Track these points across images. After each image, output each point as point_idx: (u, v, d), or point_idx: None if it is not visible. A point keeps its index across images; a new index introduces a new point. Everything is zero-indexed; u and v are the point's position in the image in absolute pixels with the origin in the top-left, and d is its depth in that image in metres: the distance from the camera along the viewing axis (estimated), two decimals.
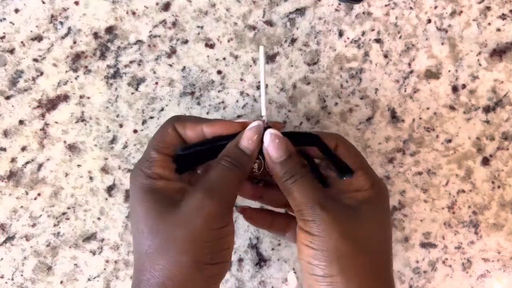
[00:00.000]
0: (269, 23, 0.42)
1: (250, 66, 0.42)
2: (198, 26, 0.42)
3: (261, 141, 0.31)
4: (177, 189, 0.30)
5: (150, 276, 0.28)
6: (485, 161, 0.42)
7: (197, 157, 0.32)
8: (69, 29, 0.41)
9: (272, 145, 0.31)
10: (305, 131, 0.34)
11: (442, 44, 0.42)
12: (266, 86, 0.33)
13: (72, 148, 0.41)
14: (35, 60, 0.41)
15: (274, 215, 0.37)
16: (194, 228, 0.28)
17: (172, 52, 0.42)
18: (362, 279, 0.29)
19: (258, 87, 0.42)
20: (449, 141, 0.42)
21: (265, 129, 0.32)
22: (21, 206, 0.41)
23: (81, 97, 0.41)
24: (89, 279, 0.41)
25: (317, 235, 0.29)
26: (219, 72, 0.42)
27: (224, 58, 0.42)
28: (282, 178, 0.31)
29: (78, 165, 0.41)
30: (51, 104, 0.41)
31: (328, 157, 0.33)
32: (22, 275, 0.41)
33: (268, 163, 0.32)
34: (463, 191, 0.42)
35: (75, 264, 0.41)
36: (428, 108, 0.42)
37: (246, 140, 0.31)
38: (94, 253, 0.41)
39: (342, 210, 0.30)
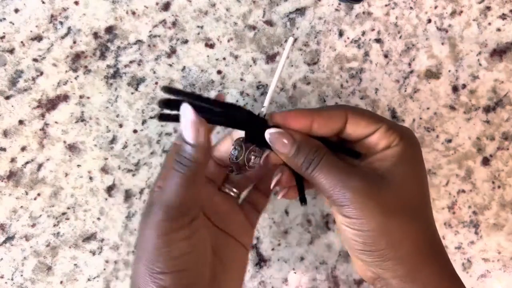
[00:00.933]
0: (269, 23, 0.42)
1: (250, 66, 0.42)
2: (198, 26, 0.42)
3: (206, 129, 0.28)
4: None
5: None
6: (485, 161, 0.42)
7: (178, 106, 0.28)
8: (69, 29, 0.41)
9: (276, 144, 0.29)
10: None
11: (442, 44, 0.42)
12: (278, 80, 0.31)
13: (72, 148, 0.41)
14: (35, 60, 0.41)
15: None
16: (143, 236, 0.28)
17: (172, 52, 0.42)
18: (411, 244, 0.28)
19: (258, 87, 0.42)
20: (449, 141, 0.42)
21: (266, 126, 0.31)
22: (21, 206, 0.41)
23: (81, 97, 0.41)
24: (89, 279, 0.41)
25: (355, 218, 0.28)
26: (219, 72, 0.42)
27: (224, 58, 0.42)
28: (301, 169, 0.29)
29: (78, 165, 0.41)
30: (51, 104, 0.41)
31: (332, 148, 0.31)
32: (22, 275, 0.41)
33: (285, 160, 0.30)
34: (463, 191, 0.42)
35: (75, 264, 0.41)
36: (428, 108, 0.42)
37: (185, 134, 0.28)
38: (94, 253, 0.41)
39: (374, 182, 0.28)
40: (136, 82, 0.41)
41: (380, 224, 0.27)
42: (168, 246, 0.28)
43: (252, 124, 0.30)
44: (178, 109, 0.28)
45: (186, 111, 0.27)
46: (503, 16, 0.42)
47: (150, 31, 0.41)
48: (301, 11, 0.42)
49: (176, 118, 0.29)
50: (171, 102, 0.28)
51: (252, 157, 0.31)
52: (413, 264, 0.28)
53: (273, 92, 0.30)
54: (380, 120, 0.30)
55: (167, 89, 0.28)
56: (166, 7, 0.42)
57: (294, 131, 0.30)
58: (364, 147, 0.31)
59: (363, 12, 0.42)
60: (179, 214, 0.28)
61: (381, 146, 0.30)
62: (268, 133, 0.30)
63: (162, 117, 0.29)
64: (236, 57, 0.42)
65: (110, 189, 0.41)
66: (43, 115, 0.41)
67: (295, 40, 0.32)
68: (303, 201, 0.31)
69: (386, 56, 0.42)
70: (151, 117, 0.41)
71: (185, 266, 0.29)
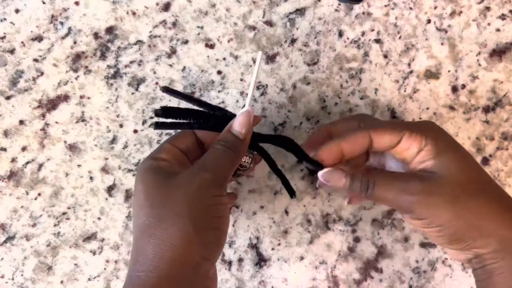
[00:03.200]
0: (269, 23, 0.42)
1: (250, 66, 0.42)
2: (198, 26, 0.42)
3: (251, 126, 0.33)
4: (179, 171, 0.31)
5: (147, 244, 0.28)
6: (485, 161, 0.43)
7: (176, 115, 0.33)
8: (69, 29, 0.41)
9: (333, 182, 0.33)
10: (279, 135, 0.36)
11: (442, 44, 0.42)
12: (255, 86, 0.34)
13: (72, 148, 0.41)
14: (36, 60, 0.41)
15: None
16: (190, 192, 0.29)
17: (172, 52, 0.42)
18: (489, 218, 0.30)
19: (258, 87, 0.42)
20: None
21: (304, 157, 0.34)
22: (21, 206, 0.41)
23: (81, 97, 0.41)
24: (89, 279, 0.41)
25: (427, 217, 0.30)
26: (219, 72, 0.42)
27: (224, 58, 0.42)
28: (362, 194, 0.32)
29: (78, 165, 0.41)
30: (51, 104, 0.41)
31: (300, 158, 0.34)
32: (22, 275, 0.41)
33: (346, 192, 0.34)
34: None
35: (75, 264, 0.41)
36: (428, 108, 0.42)
37: (238, 125, 0.32)
38: (94, 253, 0.41)
39: (428, 180, 0.31)
40: (137, 82, 0.41)
41: (452, 212, 0.30)
42: (215, 205, 0.30)
43: None
44: (174, 117, 0.32)
45: (248, 113, 0.32)
46: (502, 17, 0.42)
47: (150, 32, 0.41)
48: (301, 11, 0.42)
49: (172, 126, 0.33)
50: (168, 110, 0.32)
51: (245, 158, 0.35)
52: (500, 233, 0.30)
53: (250, 99, 0.33)
54: (401, 128, 0.32)
55: (167, 89, 0.32)
56: (166, 7, 0.42)
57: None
58: (400, 154, 0.33)
59: (363, 13, 0.42)
60: (224, 182, 0.31)
61: (414, 150, 0.32)
62: (321, 175, 0.33)
63: (158, 125, 0.33)
64: (236, 57, 0.42)
65: (110, 189, 0.42)
66: (43, 115, 0.41)
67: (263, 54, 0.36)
68: (291, 194, 0.35)
69: (385, 56, 0.42)
70: (151, 117, 0.42)
71: (224, 227, 0.31)
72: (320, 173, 0.33)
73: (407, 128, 0.32)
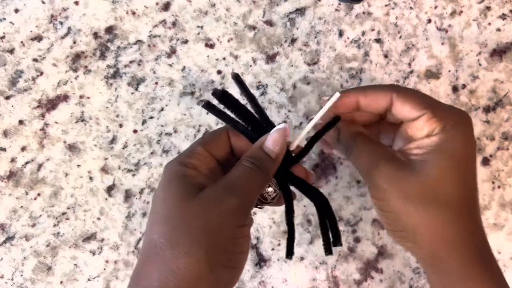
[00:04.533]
0: (269, 23, 0.42)
1: (250, 66, 0.42)
2: (198, 26, 0.42)
3: (286, 144, 0.30)
4: (206, 184, 0.28)
5: (153, 269, 0.25)
6: (485, 161, 0.42)
7: (230, 105, 0.30)
8: (69, 29, 0.41)
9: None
10: (314, 187, 0.33)
11: (442, 44, 0.42)
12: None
13: (72, 148, 0.41)
14: (35, 60, 0.41)
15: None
16: (210, 220, 0.26)
17: (172, 52, 0.42)
18: (433, 233, 0.28)
19: (258, 87, 0.42)
20: None
21: (291, 162, 0.31)
22: (21, 206, 0.41)
23: (81, 97, 0.41)
24: (89, 279, 0.41)
25: (377, 199, 0.29)
26: (219, 72, 0.42)
27: (224, 58, 0.42)
28: (343, 152, 0.32)
29: (78, 165, 0.41)
30: (51, 104, 0.41)
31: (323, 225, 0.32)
32: (22, 275, 0.41)
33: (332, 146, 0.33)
34: None
35: (75, 264, 0.41)
36: None
37: (272, 143, 0.29)
38: (94, 253, 0.41)
39: (401, 168, 0.28)
40: (136, 82, 0.41)
41: (399, 208, 0.28)
42: (237, 238, 0.27)
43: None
44: (227, 106, 0.30)
45: (284, 131, 0.30)
46: (503, 16, 0.42)
47: (150, 31, 0.41)
48: (301, 11, 0.42)
49: (219, 114, 0.30)
50: (227, 96, 0.30)
51: (269, 189, 0.31)
52: (435, 251, 0.28)
53: (304, 135, 0.31)
54: (427, 106, 0.29)
55: (236, 77, 0.30)
56: (166, 7, 0.42)
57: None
58: (408, 131, 0.30)
59: (363, 12, 0.42)
60: (250, 210, 0.28)
61: (423, 133, 0.29)
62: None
63: (207, 106, 0.30)
64: (236, 57, 0.42)
65: (110, 189, 0.41)
66: (43, 115, 0.41)
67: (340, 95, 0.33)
68: (289, 254, 0.31)
69: (386, 56, 0.42)
70: (151, 117, 0.41)
71: (242, 265, 0.28)
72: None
73: (432, 108, 0.29)
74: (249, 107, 0.31)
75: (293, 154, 0.31)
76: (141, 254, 0.27)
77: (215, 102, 0.31)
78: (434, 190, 0.28)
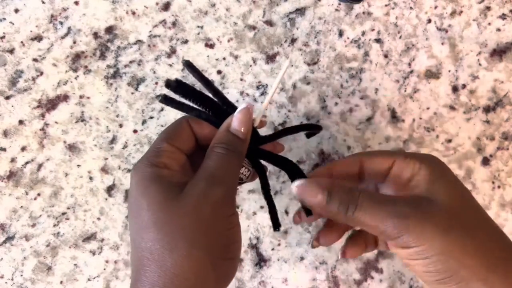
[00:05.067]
0: (269, 23, 0.42)
1: (250, 66, 0.42)
2: (198, 26, 0.42)
3: (252, 124, 0.30)
4: (183, 181, 0.27)
5: (156, 276, 0.25)
6: (485, 161, 0.42)
7: (187, 95, 0.29)
8: (69, 29, 0.41)
9: (307, 196, 0.29)
10: (282, 156, 0.33)
11: (442, 44, 0.42)
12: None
13: (72, 148, 0.41)
14: (35, 60, 0.41)
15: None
16: (203, 216, 0.26)
17: (172, 52, 0.42)
18: (481, 256, 0.26)
19: (258, 87, 0.42)
20: (449, 141, 0.42)
21: (258, 140, 0.32)
22: (21, 206, 0.41)
23: (81, 97, 0.41)
24: (89, 279, 0.41)
25: (415, 245, 0.26)
26: (219, 72, 0.42)
27: (224, 58, 0.42)
28: (340, 215, 0.28)
29: (78, 165, 0.41)
30: (51, 104, 0.41)
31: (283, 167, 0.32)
32: (22, 275, 0.41)
33: (319, 211, 0.30)
34: None
35: (75, 264, 0.41)
36: (428, 108, 0.42)
37: (238, 124, 0.29)
38: (94, 253, 0.41)
39: (422, 206, 0.27)
40: (136, 82, 0.41)
41: (443, 244, 0.26)
42: (230, 228, 0.27)
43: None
44: (185, 96, 0.29)
45: (247, 110, 0.29)
46: (503, 16, 0.42)
47: (150, 31, 0.41)
48: (301, 11, 0.42)
49: (180, 106, 0.29)
50: (182, 85, 0.28)
51: (243, 169, 0.31)
52: (489, 273, 0.26)
53: (265, 108, 0.31)
54: (394, 153, 0.31)
55: (188, 64, 0.29)
56: (166, 7, 0.42)
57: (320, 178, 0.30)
58: (393, 182, 0.31)
59: (363, 12, 0.42)
60: (235, 196, 0.28)
61: (406, 175, 0.30)
62: (295, 187, 0.29)
63: (166, 100, 0.29)
64: (236, 57, 0.42)
65: (110, 189, 0.41)
66: (43, 115, 0.41)
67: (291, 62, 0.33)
68: (276, 226, 0.32)
69: (386, 56, 0.42)
70: (151, 117, 0.41)
71: (239, 253, 0.28)
72: (294, 184, 0.29)
73: (399, 154, 0.30)
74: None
75: (257, 130, 0.32)
76: (135, 265, 0.26)
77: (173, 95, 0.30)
78: (463, 212, 0.27)
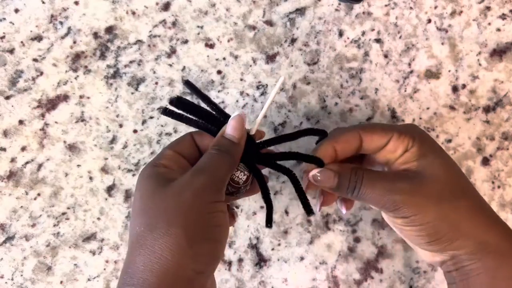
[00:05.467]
0: (269, 23, 0.42)
1: (250, 66, 0.42)
2: (198, 26, 0.42)
3: (245, 129, 0.32)
4: (176, 177, 0.30)
5: (137, 255, 0.27)
6: (485, 161, 0.42)
7: (188, 109, 0.33)
8: (69, 29, 0.41)
9: (322, 182, 0.33)
10: (282, 165, 0.34)
11: (442, 44, 0.42)
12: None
13: (72, 148, 0.41)
14: (35, 60, 0.41)
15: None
16: (184, 198, 0.28)
17: (172, 52, 0.42)
18: (469, 219, 0.31)
19: (258, 87, 0.42)
20: (449, 141, 0.42)
21: (255, 145, 0.33)
22: (21, 206, 0.41)
23: (81, 97, 0.41)
24: (89, 279, 0.41)
25: (412, 215, 0.31)
26: (219, 72, 0.42)
27: (224, 58, 0.42)
28: (349, 194, 0.33)
29: (78, 165, 0.41)
30: (51, 104, 0.41)
31: (298, 192, 0.34)
32: (22, 275, 0.41)
33: (331, 191, 0.34)
34: None
35: (75, 264, 0.41)
36: (428, 108, 0.42)
37: (231, 129, 0.32)
38: (94, 253, 0.41)
39: (414, 180, 0.31)
40: (136, 82, 0.41)
41: (436, 212, 0.30)
42: (211, 212, 0.29)
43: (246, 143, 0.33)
44: (186, 111, 0.32)
45: (239, 117, 0.32)
46: (503, 16, 0.42)
47: (150, 31, 0.41)
48: (301, 11, 0.42)
49: (179, 117, 0.33)
50: (182, 102, 0.32)
51: (238, 173, 0.33)
52: (477, 235, 0.31)
53: (262, 116, 0.33)
54: (390, 130, 0.33)
55: (187, 82, 0.33)
56: (166, 7, 0.42)
57: (329, 163, 0.34)
58: (385, 155, 0.34)
59: (363, 12, 0.42)
60: (221, 187, 0.30)
61: (399, 151, 0.33)
62: (312, 175, 0.33)
63: (166, 112, 0.32)
64: (236, 57, 0.42)
65: (110, 189, 0.41)
66: (43, 115, 0.41)
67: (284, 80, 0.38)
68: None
69: (386, 56, 0.42)
70: (151, 117, 0.41)
71: (222, 238, 0.30)
72: (311, 173, 0.33)
73: (395, 130, 0.33)
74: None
75: (257, 141, 0.34)
76: (128, 248, 0.29)
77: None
78: (449, 183, 0.32)
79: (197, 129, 0.34)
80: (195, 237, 0.27)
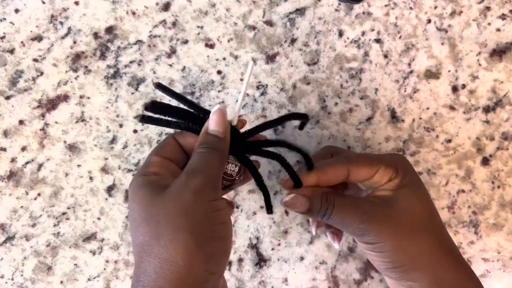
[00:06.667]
0: (269, 23, 0.42)
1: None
2: (198, 26, 0.42)
3: (228, 121, 0.32)
4: (170, 183, 0.30)
5: (148, 265, 0.27)
6: (485, 161, 0.42)
7: (165, 112, 0.32)
8: (69, 29, 0.41)
9: (293, 208, 0.34)
10: (268, 151, 0.35)
11: (442, 44, 0.42)
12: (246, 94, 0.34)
13: (72, 148, 0.41)
14: (35, 60, 0.41)
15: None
16: (185, 202, 0.28)
17: (172, 52, 0.42)
18: (428, 256, 0.32)
19: (258, 87, 0.42)
20: (449, 141, 0.42)
21: (240, 137, 0.33)
22: (21, 206, 0.41)
23: (81, 97, 0.41)
24: (89, 279, 0.41)
25: (374, 243, 0.32)
26: (219, 72, 0.42)
27: (224, 58, 0.42)
28: (319, 218, 0.34)
29: (78, 165, 0.41)
30: (51, 104, 0.41)
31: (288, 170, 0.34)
32: (22, 275, 0.41)
33: (308, 217, 0.35)
34: (463, 191, 0.42)
35: (75, 264, 0.41)
36: (428, 108, 0.42)
37: (214, 124, 0.31)
38: (94, 253, 0.41)
39: (383, 209, 0.33)
40: (136, 82, 0.41)
41: (396, 243, 0.32)
42: (214, 211, 0.29)
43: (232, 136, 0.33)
44: (164, 114, 0.32)
45: (220, 111, 0.32)
46: (502, 16, 0.42)
47: (150, 31, 0.41)
48: (301, 11, 0.42)
49: (158, 122, 0.33)
50: (158, 105, 0.32)
51: (230, 166, 0.33)
52: (436, 271, 0.32)
53: (241, 106, 0.33)
54: (377, 162, 0.34)
55: (159, 85, 0.32)
56: (166, 7, 0.42)
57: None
58: (370, 185, 0.35)
59: (363, 12, 0.42)
60: (217, 184, 0.30)
61: (384, 181, 0.34)
62: (284, 202, 0.34)
63: (144, 119, 0.32)
64: (236, 57, 0.42)
65: (110, 189, 0.42)
66: (43, 115, 0.41)
67: (254, 63, 0.38)
68: (269, 209, 0.34)
69: (386, 56, 0.42)
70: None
71: (228, 234, 0.30)
72: (283, 199, 0.34)
73: (382, 163, 0.34)
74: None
75: (241, 131, 0.34)
76: (135, 260, 0.29)
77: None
78: (418, 218, 0.33)
79: (179, 131, 0.34)
80: (203, 238, 0.27)
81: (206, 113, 0.33)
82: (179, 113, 0.33)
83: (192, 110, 0.33)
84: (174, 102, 0.33)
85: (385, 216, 0.32)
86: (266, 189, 0.34)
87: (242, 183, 0.35)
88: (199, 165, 0.30)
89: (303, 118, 0.35)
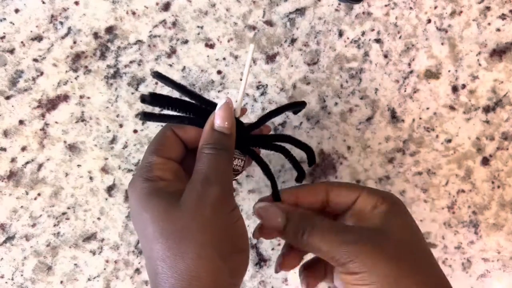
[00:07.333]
0: (269, 23, 0.42)
1: (250, 66, 0.42)
2: (198, 26, 0.42)
3: (235, 117, 0.31)
4: (179, 189, 0.28)
5: (173, 279, 0.26)
6: (485, 161, 0.42)
7: (165, 104, 0.30)
8: (69, 29, 0.41)
9: (266, 217, 0.31)
10: (273, 144, 0.34)
11: (442, 44, 0.42)
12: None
13: (72, 148, 0.41)
14: (35, 60, 0.41)
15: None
16: (205, 217, 0.27)
17: (172, 52, 0.42)
18: (419, 283, 0.29)
19: (258, 87, 0.42)
20: (449, 141, 0.42)
21: (244, 129, 0.32)
22: (21, 206, 0.41)
23: (81, 97, 0.41)
24: (89, 279, 0.41)
25: (361, 271, 0.28)
26: (219, 72, 0.42)
27: (224, 58, 0.42)
28: (296, 238, 0.30)
29: (78, 165, 0.41)
30: (51, 104, 0.41)
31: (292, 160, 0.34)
32: (22, 275, 0.41)
33: (278, 235, 0.32)
34: (463, 191, 0.42)
35: (75, 264, 0.41)
36: (428, 108, 0.42)
37: (221, 120, 0.30)
38: (94, 253, 0.41)
39: (373, 236, 0.29)
40: (136, 82, 0.41)
41: (385, 272, 0.28)
42: (233, 223, 0.28)
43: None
44: (163, 106, 0.30)
45: (227, 105, 0.30)
46: (502, 16, 0.42)
47: (150, 31, 0.41)
48: (301, 11, 0.42)
49: (161, 118, 0.30)
50: (156, 97, 0.29)
51: (236, 161, 0.32)
52: None
53: (242, 97, 0.31)
54: (358, 187, 0.32)
55: (157, 74, 0.30)
56: (166, 7, 0.42)
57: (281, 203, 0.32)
58: (354, 214, 0.32)
59: (363, 12, 0.42)
60: (232, 191, 0.29)
61: (367, 209, 0.31)
62: (257, 208, 0.32)
63: (146, 116, 0.30)
64: (236, 57, 0.42)
65: (110, 189, 0.42)
66: (43, 115, 0.41)
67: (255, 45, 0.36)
68: (277, 199, 0.33)
69: (386, 56, 0.42)
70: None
71: (247, 246, 0.29)
72: (257, 205, 0.32)
73: (365, 189, 0.32)
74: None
75: (244, 123, 0.32)
76: (151, 273, 0.28)
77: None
78: (408, 248, 0.29)
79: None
80: (226, 252, 0.27)
81: (209, 104, 0.31)
82: (181, 105, 0.30)
83: (194, 102, 0.31)
84: (175, 94, 0.32)
85: (375, 244, 0.29)
86: (274, 177, 0.33)
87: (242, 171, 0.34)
88: (212, 173, 0.28)
89: (301, 106, 0.35)
